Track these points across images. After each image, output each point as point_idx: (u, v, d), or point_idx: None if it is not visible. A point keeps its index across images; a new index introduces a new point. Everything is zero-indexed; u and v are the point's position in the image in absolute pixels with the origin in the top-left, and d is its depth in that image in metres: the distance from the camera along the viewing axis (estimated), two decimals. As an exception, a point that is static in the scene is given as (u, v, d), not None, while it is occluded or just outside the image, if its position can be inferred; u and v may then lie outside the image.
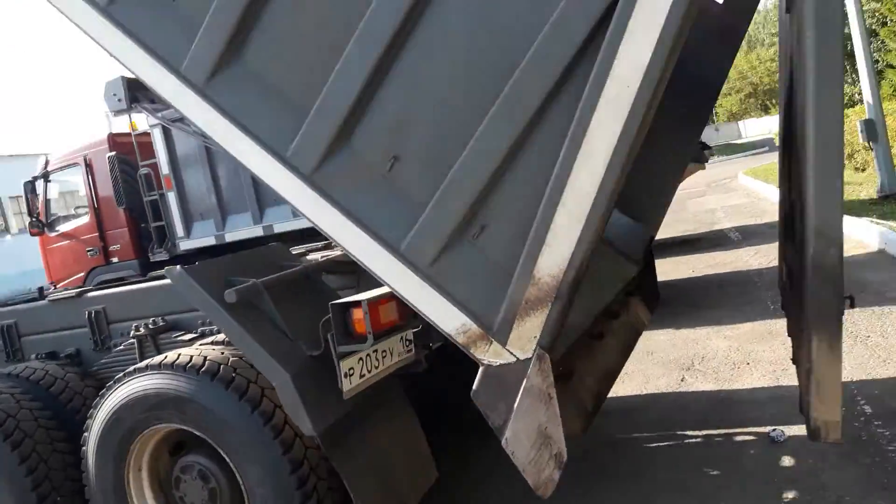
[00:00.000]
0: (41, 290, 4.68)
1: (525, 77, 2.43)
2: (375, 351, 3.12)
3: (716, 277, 8.96)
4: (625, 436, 4.63)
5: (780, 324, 6.11)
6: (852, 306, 2.48)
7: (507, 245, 2.55)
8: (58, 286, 9.09)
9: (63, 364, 3.98)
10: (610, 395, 5.20)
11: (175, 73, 3.02)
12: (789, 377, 4.90)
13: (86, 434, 3.39)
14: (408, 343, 3.33)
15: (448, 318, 2.66)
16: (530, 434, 2.56)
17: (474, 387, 2.67)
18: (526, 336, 2.52)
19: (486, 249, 2.62)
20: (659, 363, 5.83)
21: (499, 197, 2.59)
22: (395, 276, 2.73)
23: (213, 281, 3.06)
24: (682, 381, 5.39)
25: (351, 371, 2.96)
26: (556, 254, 2.43)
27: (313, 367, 3.02)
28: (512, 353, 2.56)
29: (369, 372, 3.07)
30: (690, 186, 20.37)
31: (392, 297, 2.95)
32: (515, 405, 2.57)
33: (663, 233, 13.09)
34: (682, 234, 13.00)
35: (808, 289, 2.43)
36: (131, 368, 3.30)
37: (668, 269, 9.56)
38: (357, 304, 2.94)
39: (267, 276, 3.17)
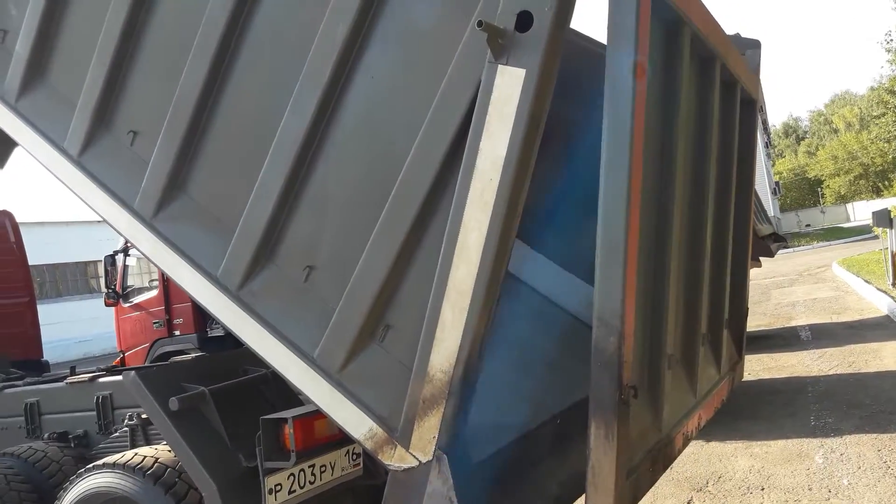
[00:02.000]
0: (73, 368, 4.77)
1: (406, 183, 2.55)
2: (312, 466, 3.08)
3: (769, 383, 8.42)
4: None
5: (815, 443, 5.71)
6: (635, 397, 2.44)
7: (410, 345, 2.56)
8: (126, 354, 9.36)
9: (67, 446, 4.04)
10: None
11: (129, 210, 3.31)
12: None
13: None
14: (355, 457, 3.27)
15: (357, 424, 2.65)
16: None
17: (385, 495, 2.59)
18: (426, 437, 2.47)
19: (392, 351, 2.64)
20: (672, 480, 5.42)
21: (399, 297, 2.64)
22: (308, 383, 2.77)
23: (165, 386, 3.16)
24: (688, 503, 4.98)
25: (278, 487, 2.93)
26: (446, 349, 2.42)
27: (249, 480, 2.99)
28: (415, 457, 2.49)
29: (301, 488, 3.02)
30: (781, 274, 19.59)
31: None
32: (416, 508, 2.47)
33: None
34: (755, 329, 12.35)
35: (591, 374, 2.40)
36: (91, 465, 3.38)
37: (726, 375, 9.11)
38: (286, 420, 2.95)
39: (217, 384, 3.23)
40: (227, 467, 3.02)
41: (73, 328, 24.18)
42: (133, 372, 3.25)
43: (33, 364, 5.94)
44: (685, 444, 3.30)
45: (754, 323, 12.85)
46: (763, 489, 5.00)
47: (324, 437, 3.05)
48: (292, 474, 2.98)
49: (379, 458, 2.58)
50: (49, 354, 6.79)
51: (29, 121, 3.72)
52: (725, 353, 4.11)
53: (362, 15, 2.66)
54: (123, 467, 3.20)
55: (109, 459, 3.32)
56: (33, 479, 3.75)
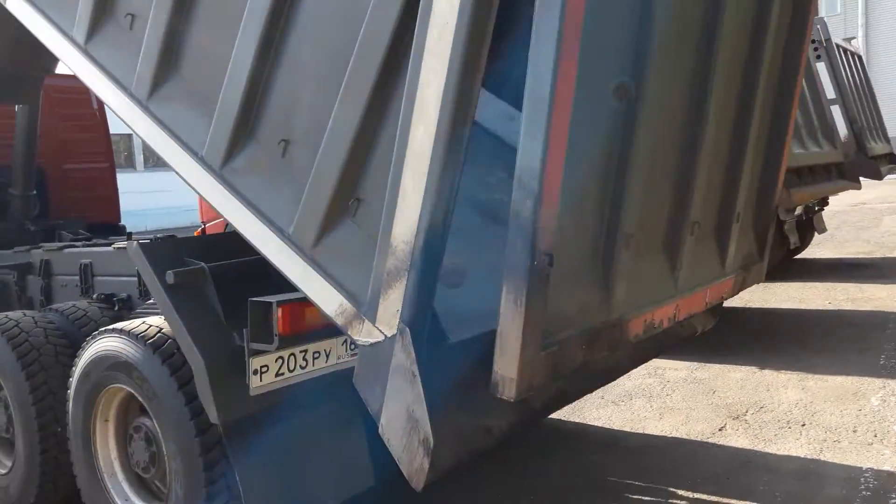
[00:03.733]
0: (129, 234, 4.98)
1: (366, 40, 2.37)
2: (304, 352, 3.04)
3: (847, 315, 7.85)
4: (616, 480, 4.07)
5: (877, 384, 5.25)
6: (551, 264, 2.20)
7: (378, 218, 2.43)
8: (206, 225, 9.46)
9: (109, 307, 4.13)
10: (637, 429, 4.73)
11: (126, 93, 3.29)
12: (835, 453, 4.16)
13: (70, 379, 3.57)
14: (353, 346, 3.21)
15: (329, 300, 2.56)
16: (400, 418, 2.35)
17: (355, 371, 2.52)
18: (391, 311, 2.35)
19: (363, 225, 2.52)
20: (710, 405, 5.13)
21: (369, 168, 2.49)
22: (284, 260, 2.70)
23: (166, 259, 3.13)
24: (720, 430, 4.67)
25: (264, 369, 2.90)
26: (407, 219, 2.27)
27: (239, 359, 2.94)
28: (381, 331, 2.39)
29: (290, 372, 2.98)
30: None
31: None
32: (387, 387, 2.38)
33: (833, 251, 11.82)
34: (851, 255, 11.55)
35: (507, 236, 2.21)
36: (102, 329, 3.45)
37: (808, 296, 8.57)
38: (278, 302, 2.88)
39: (218, 262, 3.19)
40: (218, 344, 2.99)
41: (184, 196, 25.12)
42: (136, 242, 3.25)
43: (111, 228, 6.12)
44: (648, 331, 3.05)
45: (853, 249, 11.98)
46: (804, 425, 4.63)
47: (318, 324, 2.98)
48: (280, 357, 2.94)
49: (349, 333, 2.50)
50: (158, 222, 6.94)
51: (42, 11, 3.75)
52: (735, 248, 3.75)
53: None
54: (128, 334, 3.24)
55: (118, 325, 3.39)
56: (71, 335, 3.87)
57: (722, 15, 3.08)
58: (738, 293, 4.03)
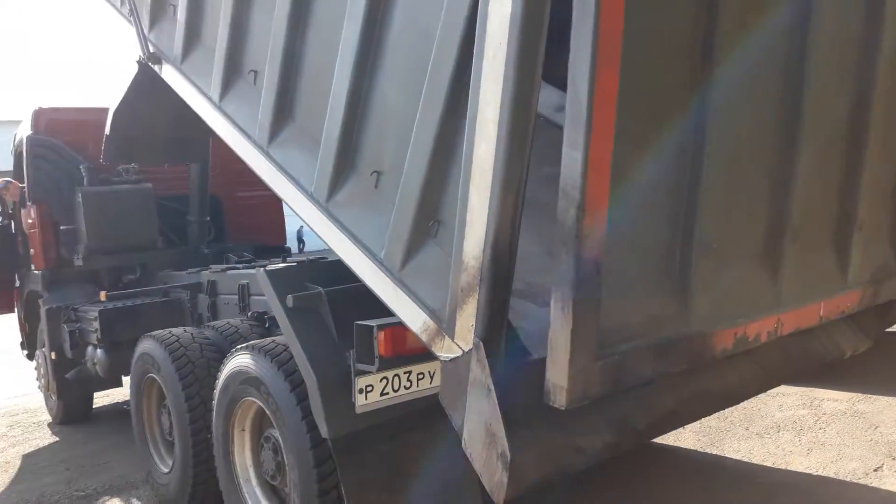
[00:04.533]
0: (285, 257, 5.46)
1: (435, 69, 2.50)
2: (408, 373, 3.15)
3: None
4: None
5: None
6: (599, 273, 2.14)
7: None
8: None
9: (260, 325, 4.48)
10: (780, 465, 4.31)
11: (250, 140, 3.67)
12: None
13: (214, 391, 3.92)
14: (455, 366, 3.29)
15: (414, 319, 2.67)
16: (480, 432, 2.37)
17: (440, 388, 2.59)
18: (466, 326, 2.40)
19: (443, 245, 2.61)
20: (869, 442, 4.55)
21: (445, 190, 2.59)
22: (378, 283, 2.85)
23: (289, 284, 3.39)
24: (875, 470, 4.14)
25: (369, 388, 3.04)
26: (475, 235, 2.32)
27: (350, 379, 3.11)
28: (459, 347, 2.45)
29: (394, 391, 3.11)
30: None
31: None
32: (466, 402, 2.43)
33: None
34: None
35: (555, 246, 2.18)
36: (240, 346, 3.76)
37: None
38: (378, 326, 3.01)
39: (335, 287, 3.39)
40: (331, 363, 3.17)
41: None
42: (263, 268, 3.55)
43: (275, 250, 6.69)
44: (740, 346, 2.82)
45: None
46: None
47: (419, 346, 3.05)
48: (385, 377, 3.08)
49: (433, 349, 2.58)
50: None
51: (187, 76, 4.29)
52: (862, 258, 3.38)
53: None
54: (259, 350, 3.52)
55: (252, 342, 3.68)
56: (224, 350, 4.23)
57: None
58: (868, 307, 3.62)
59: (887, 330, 4.59)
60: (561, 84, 2.20)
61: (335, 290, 3.38)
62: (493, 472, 2.34)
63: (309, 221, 3.27)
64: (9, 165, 7.40)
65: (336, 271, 3.48)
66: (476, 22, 2.27)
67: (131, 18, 4.69)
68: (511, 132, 2.19)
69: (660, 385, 2.91)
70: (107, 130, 5.74)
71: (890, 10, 3.20)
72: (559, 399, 2.21)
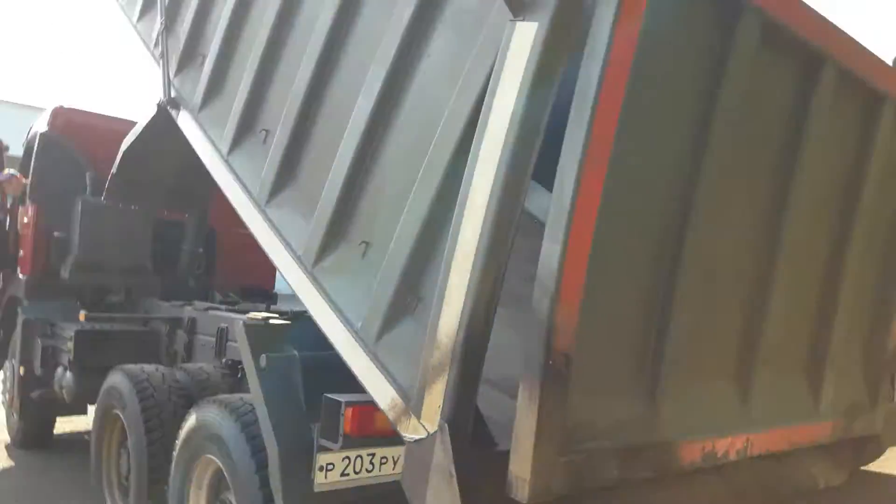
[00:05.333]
0: (269, 305, 5.23)
1: (435, 151, 2.57)
2: (372, 455, 3.08)
3: None
4: None
5: None
6: (567, 365, 2.14)
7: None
8: None
9: (232, 374, 4.25)
10: None
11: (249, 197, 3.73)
12: None
13: (176, 441, 3.76)
14: (421, 451, 3.22)
15: (383, 394, 2.65)
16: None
17: (402, 469, 2.54)
18: (434, 406, 2.38)
19: (420, 322, 2.61)
20: None
21: (430, 268, 2.62)
22: (351, 353, 2.83)
23: (266, 342, 3.32)
24: None
25: (330, 466, 2.96)
26: (452, 313, 2.34)
27: (311, 453, 3.02)
28: (424, 428, 2.42)
29: (355, 474, 3.02)
30: None
31: None
32: (427, 487, 2.37)
33: None
34: None
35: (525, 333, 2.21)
36: (208, 398, 3.64)
37: None
38: (346, 403, 2.92)
39: (311, 352, 3.32)
40: (295, 434, 3.09)
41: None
42: (243, 321, 3.47)
43: (262, 294, 6.35)
44: (709, 461, 2.81)
45: None
46: None
47: (388, 429, 2.98)
48: (347, 457, 2.99)
49: (398, 429, 2.54)
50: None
51: (203, 128, 4.38)
52: (833, 392, 3.39)
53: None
54: (225, 406, 3.41)
55: (220, 396, 3.58)
56: (193, 396, 4.10)
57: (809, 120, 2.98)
58: (841, 439, 3.59)
59: (863, 467, 4.51)
60: (550, 185, 2.27)
61: (310, 357, 3.33)
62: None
63: (293, 284, 3.28)
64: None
65: (317, 332, 3.44)
66: (480, 113, 2.35)
67: (160, 61, 4.82)
68: (497, 222, 2.24)
69: (626, 492, 2.85)
70: (113, 168, 5.75)
71: (872, 159, 3.33)
72: (521, 493, 2.16)
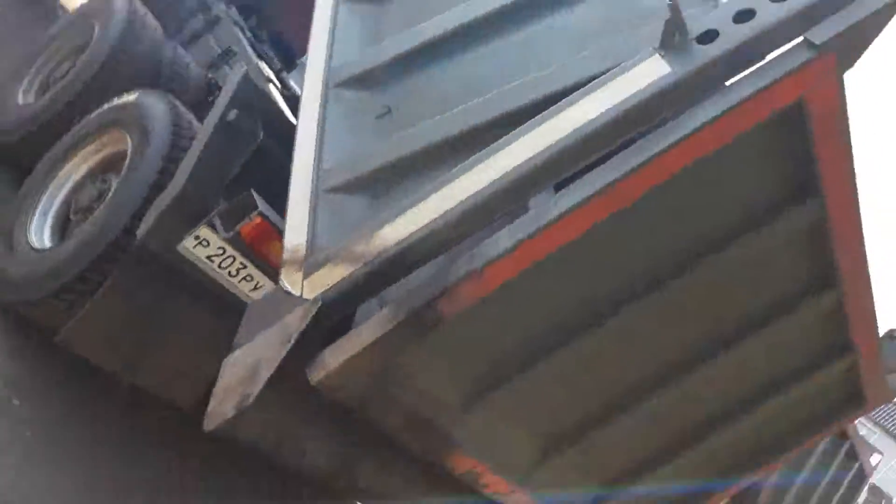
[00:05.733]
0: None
1: None
2: (244, 266, 3.01)
3: None
4: None
5: None
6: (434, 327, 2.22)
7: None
8: None
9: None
10: None
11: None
12: None
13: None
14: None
15: (296, 234, 2.60)
16: (247, 362, 2.31)
17: (253, 301, 2.55)
18: (324, 280, 2.36)
19: (379, 211, 2.53)
20: None
21: (424, 178, 2.55)
22: (300, 180, 2.75)
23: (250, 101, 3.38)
24: None
25: (205, 243, 2.90)
26: (405, 228, 2.29)
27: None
28: (303, 288, 2.39)
29: (218, 267, 2.96)
30: None
31: None
32: (264, 332, 2.36)
33: None
34: None
35: None
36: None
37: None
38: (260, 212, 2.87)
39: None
40: (202, 189, 3.12)
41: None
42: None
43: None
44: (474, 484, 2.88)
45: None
46: None
47: (275, 263, 2.87)
48: (223, 249, 2.92)
49: (282, 270, 2.50)
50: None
51: None
52: None
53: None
54: (172, 108, 3.62)
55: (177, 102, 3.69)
56: None
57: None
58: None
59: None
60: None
61: (272, 153, 3.25)
62: (224, 400, 2.28)
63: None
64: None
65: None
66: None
67: None
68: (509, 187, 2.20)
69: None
70: None
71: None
72: (316, 375, 2.20)
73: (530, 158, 2.16)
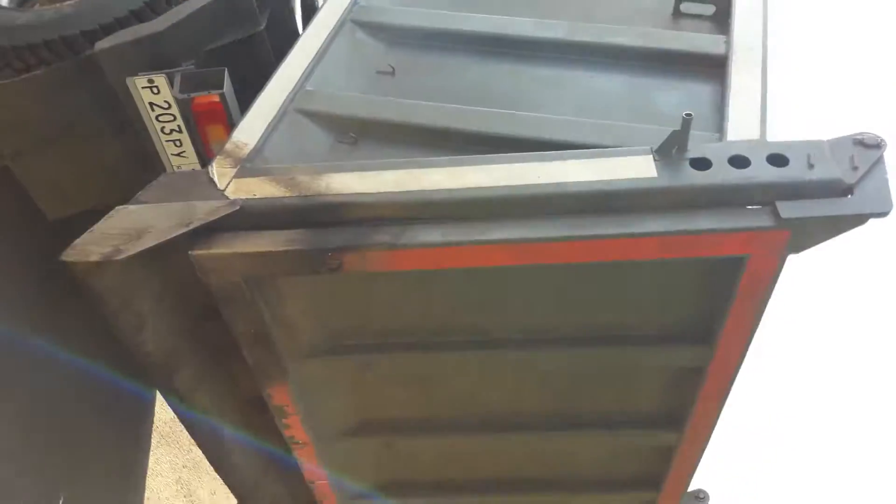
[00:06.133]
0: None
1: None
2: (177, 131, 3.03)
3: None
4: None
5: None
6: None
7: None
8: None
9: None
10: None
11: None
12: None
13: None
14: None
15: (247, 134, 2.53)
16: (137, 221, 2.19)
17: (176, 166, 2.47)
18: (250, 188, 2.27)
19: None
20: None
21: None
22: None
23: None
24: None
25: (155, 90, 2.90)
26: (352, 183, 2.27)
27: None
28: (226, 184, 2.31)
29: (150, 108, 2.97)
30: None
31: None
32: (169, 203, 2.26)
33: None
34: None
35: None
36: None
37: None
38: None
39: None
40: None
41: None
42: None
43: None
44: None
45: None
46: None
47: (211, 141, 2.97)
48: (168, 104, 2.96)
49: (216, 157, 2.41)
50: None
51: None
52: None
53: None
54: None
55: None
56: None
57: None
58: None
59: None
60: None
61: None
62: (95, 242, 2.12)
63: None
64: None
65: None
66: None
67: None
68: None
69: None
70: None
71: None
72: (200, 250, 2.16)
73: (499, 186, 2.19)
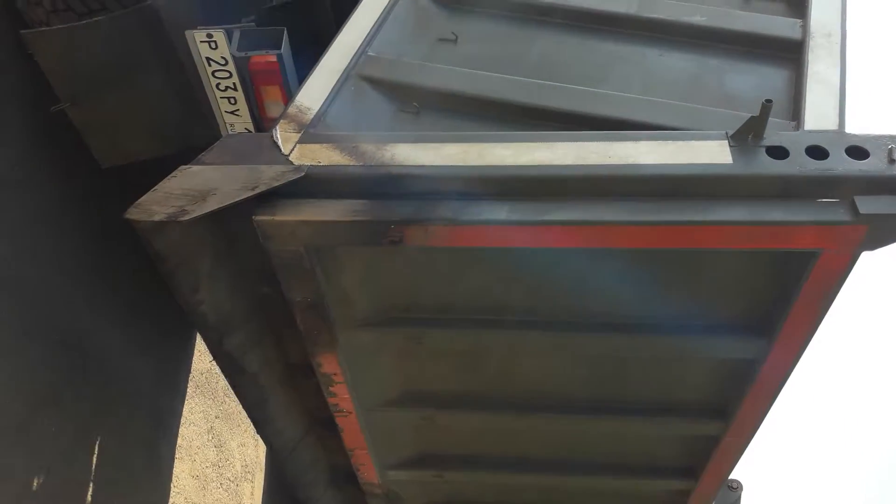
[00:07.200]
0: None
1: None
2: (229, 74, 3.07)
3: None
4: None
5: None
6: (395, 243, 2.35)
7: None
8: None
9: None
10: None
11: None
12: None
13: None
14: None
15: (310, 99, 2.50)
16: (202, 182, 2.18)
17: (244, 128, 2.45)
18: (314, 156, 2.25)
19: None
20: None
21: None
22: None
23: None
24: None
25: (213, 45, 2.93)
26: (416, 154, 2.23)
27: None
28: (291, 149, 2.29)
29: (207, 63, 3.01)
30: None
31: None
32: (234, 166, 2.23)
33: None
34: None
35: None
36: None
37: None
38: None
39: None
40: None
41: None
42: None
43: None
44: None
45: None
46: None
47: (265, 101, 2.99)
48: (226, 59, 2.99)
49: (279, 122, 2.38)
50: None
51: None
52: None
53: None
54: None
55: None
56: None
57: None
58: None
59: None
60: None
61: None
62: (160, 202, 2.12)
63: None
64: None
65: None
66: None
67: None
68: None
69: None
70: None
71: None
72: (262, 215, 2.14)
73: (567, 165, 2.13)
